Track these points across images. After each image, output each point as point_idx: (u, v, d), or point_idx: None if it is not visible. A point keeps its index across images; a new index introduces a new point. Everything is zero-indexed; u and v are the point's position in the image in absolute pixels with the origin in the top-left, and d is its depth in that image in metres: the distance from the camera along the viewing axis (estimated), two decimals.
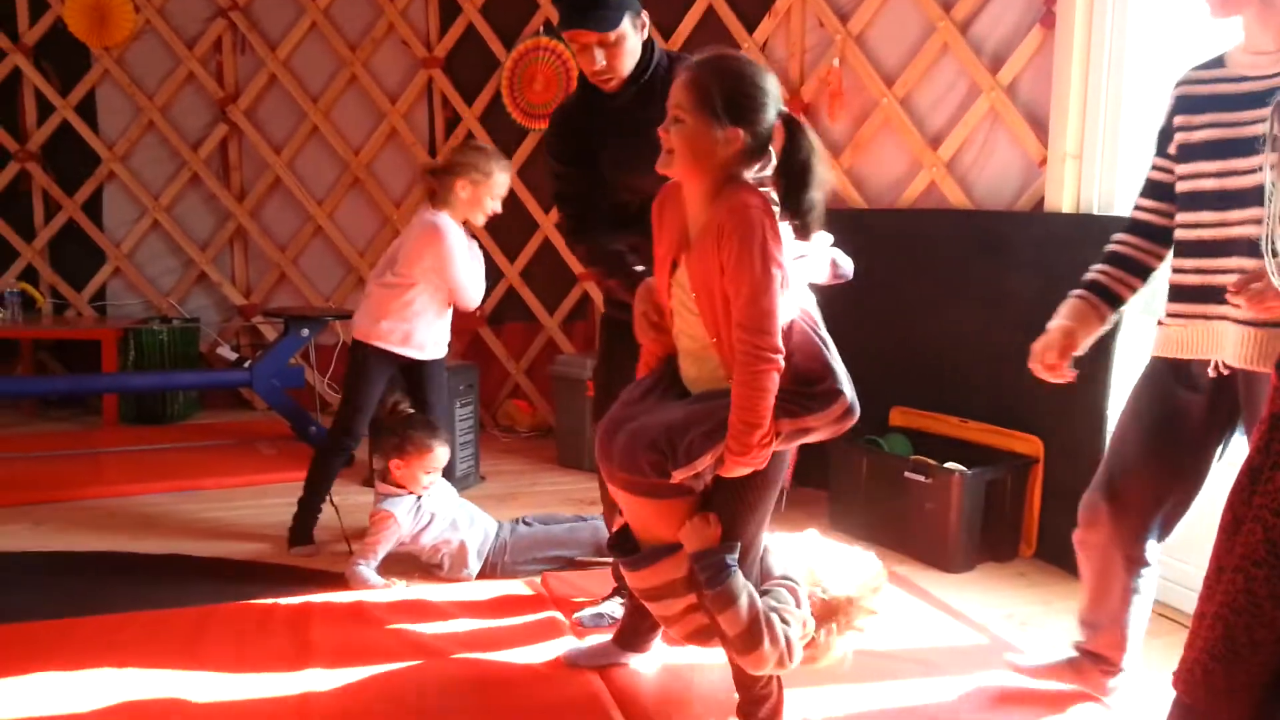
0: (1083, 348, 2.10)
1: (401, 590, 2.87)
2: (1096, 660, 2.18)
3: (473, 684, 2.30)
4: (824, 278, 2.04)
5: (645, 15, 2.36)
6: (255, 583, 2.92)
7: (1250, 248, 1.74)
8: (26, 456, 4.25)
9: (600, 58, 2.27)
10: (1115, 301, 2.08)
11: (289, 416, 4.45)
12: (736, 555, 1.84)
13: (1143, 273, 2.08)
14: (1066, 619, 2.69)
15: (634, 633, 2.31)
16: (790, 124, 1.80)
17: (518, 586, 2.89)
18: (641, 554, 1.94)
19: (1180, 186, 1.95)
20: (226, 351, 5.18)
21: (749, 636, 1.80)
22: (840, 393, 1.81)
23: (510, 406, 5.07)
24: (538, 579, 2.97)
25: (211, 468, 4.09)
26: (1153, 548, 2.08)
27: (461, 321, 5.14)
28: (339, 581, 2.94)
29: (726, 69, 1.80)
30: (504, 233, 5.09)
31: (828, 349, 1.85)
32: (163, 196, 5.12)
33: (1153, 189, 2.05)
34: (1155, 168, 2.04)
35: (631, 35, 2.29)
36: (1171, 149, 1.97)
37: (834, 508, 3.49)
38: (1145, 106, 3.10)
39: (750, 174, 1.83)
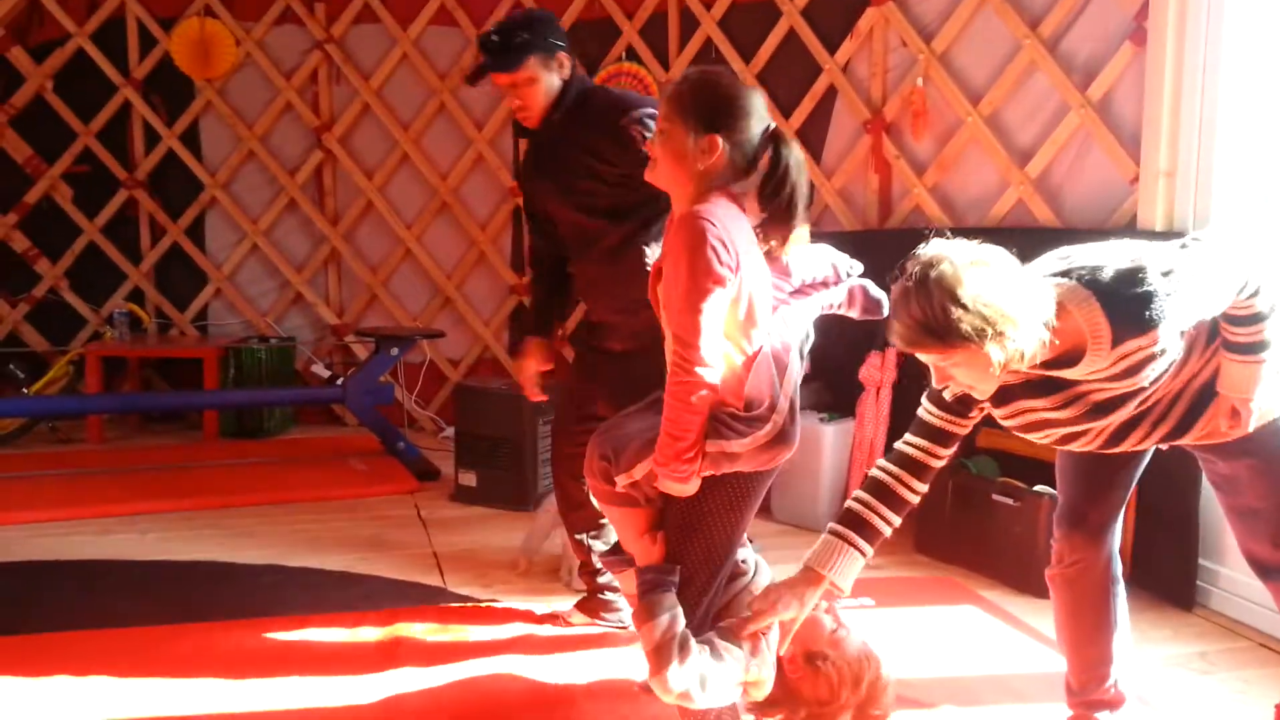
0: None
1: (493, 599, 2.94)
2: (1100, 706, 2.13)
3: (551, 700, 2.34)
4: (846, 308, 2.10)
5: (564, 55, 2.49)
6: (347, 592, 3.01)
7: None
8: (133, 469, 4.44)
9: (513, 96, 2.48)
10: (873, 536, 1.85)
11: (379, 432, 4.58)
12: (675, 577, 1.82)
13: (902, 507, 1.87)
14: (1157, 645, 2.62)
15: None
16: (774, 138, 1.83)
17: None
18: (617, 557, 2.04)
19: (1045, 440, 1.88)
20: (320, 369, 5.36)
21: (657, 656, 1.75)
22: (768, 419, 1.78)
23: None
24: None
25: (306, 481, 4.23)
26: (1119, 563, 2.09)
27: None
28: (427, 595, 3.01)
29: (704, 81, 1.85)
30: None
31: (782, 381, 1.81)
32: (261, 221, 5.33)
33: (928, 431, 1.86)
34: (938, 418, 1.85)
35: (544, 75, 2.46)
36: (981, 414, 1.85)
37: (920, 530, 3.44)
38: (1239, 123, 3.02)
39: (739, 187, 1.84)
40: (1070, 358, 1.68)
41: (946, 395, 1.82)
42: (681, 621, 1.78)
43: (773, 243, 1.85)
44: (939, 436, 1.84)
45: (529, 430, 3.89)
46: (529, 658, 2.54)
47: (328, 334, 5.49)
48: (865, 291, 2.11)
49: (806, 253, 1.96)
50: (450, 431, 5.20)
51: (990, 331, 1.55)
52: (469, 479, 4.00)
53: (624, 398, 2.11)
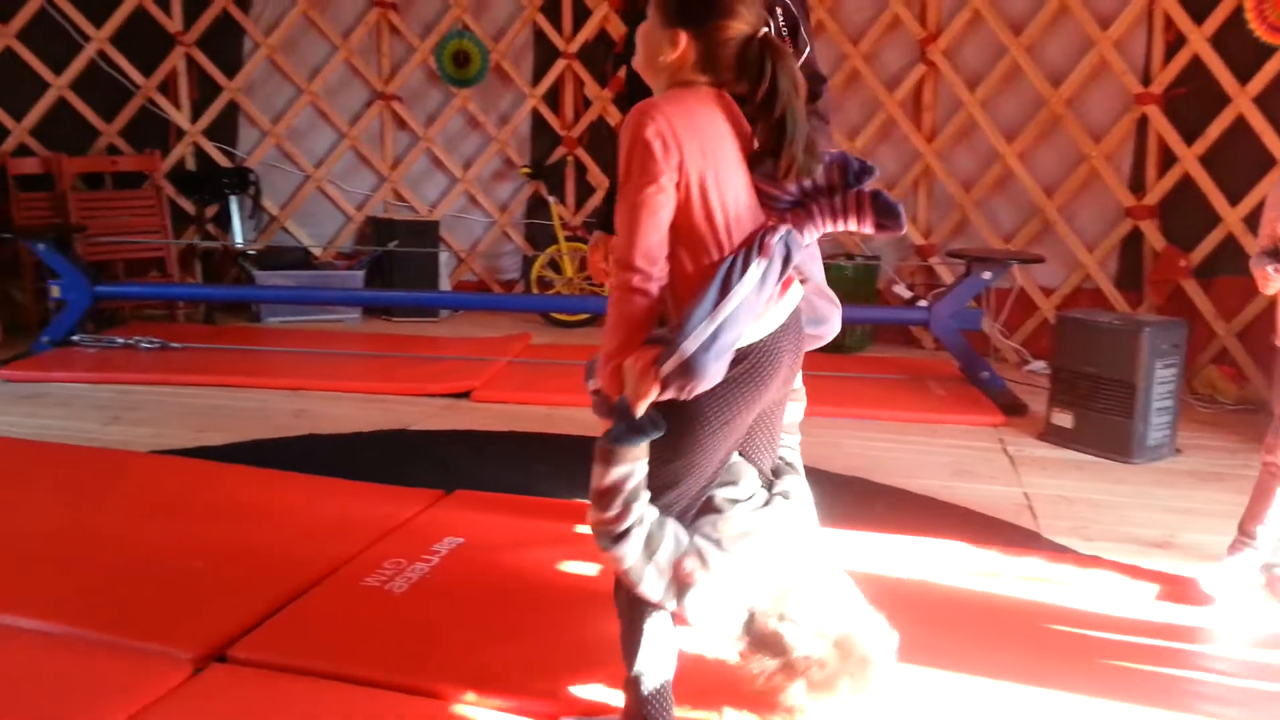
0: None
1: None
2: None
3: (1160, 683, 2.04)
4: (857, 221, 1.67)
5: None
6: (932, 519, 2.95)
7: None
8: None
9: None
10: None
11: (962, 358, 4.43)
12: (657, 430, 1.61)
13: None
14: None
15: None
16: (764, 47, 1.59)
17: None
18: None
19: None
20: (902, 290, 5.32)
21: (602, 497, 1.61)
22: (678, 345, 1.53)
23: (1213, 373, 4.43)
24: None
25: (885, 400, 4.24)
26: None
27: (1161, 272, 4.63)
28: (1019, 537, 2.83)
29: None
30: (1227, 169, 4.41)
31: (711, 295, 1.55)
32: (858, 139, 5.35)
33: None
34: None
35: None
36: None
37: None
38: None
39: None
40: None
41: None
42: (643, 487, 1.63)
43: (768, 162, 1.61)
44: None
45: (1144, 371, 3.45)
46: (1125, 619, 2.26)
47: (911, 254, 5.42)
48: (877, 199, 1.68)
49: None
50: (1037, 365, 4.88)
51: None
52: (1064, 419, 3.68)
53: None
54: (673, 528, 1.67)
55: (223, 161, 5.85)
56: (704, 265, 1.60)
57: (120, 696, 1.87)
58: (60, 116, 5.53)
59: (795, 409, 2.47)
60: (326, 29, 5.79)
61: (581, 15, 5.80)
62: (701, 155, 1.57)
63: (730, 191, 1.61)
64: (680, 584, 1.65)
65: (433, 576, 2.41)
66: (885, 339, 5.49)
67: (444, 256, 5.93)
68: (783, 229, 1.63)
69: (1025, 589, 2.44)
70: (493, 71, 5.85)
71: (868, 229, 1.70)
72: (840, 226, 1.70)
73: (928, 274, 5.40)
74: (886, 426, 3.94)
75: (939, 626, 2.25)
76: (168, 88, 5.74)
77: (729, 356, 1.58)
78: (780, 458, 1.87)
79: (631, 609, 1.72)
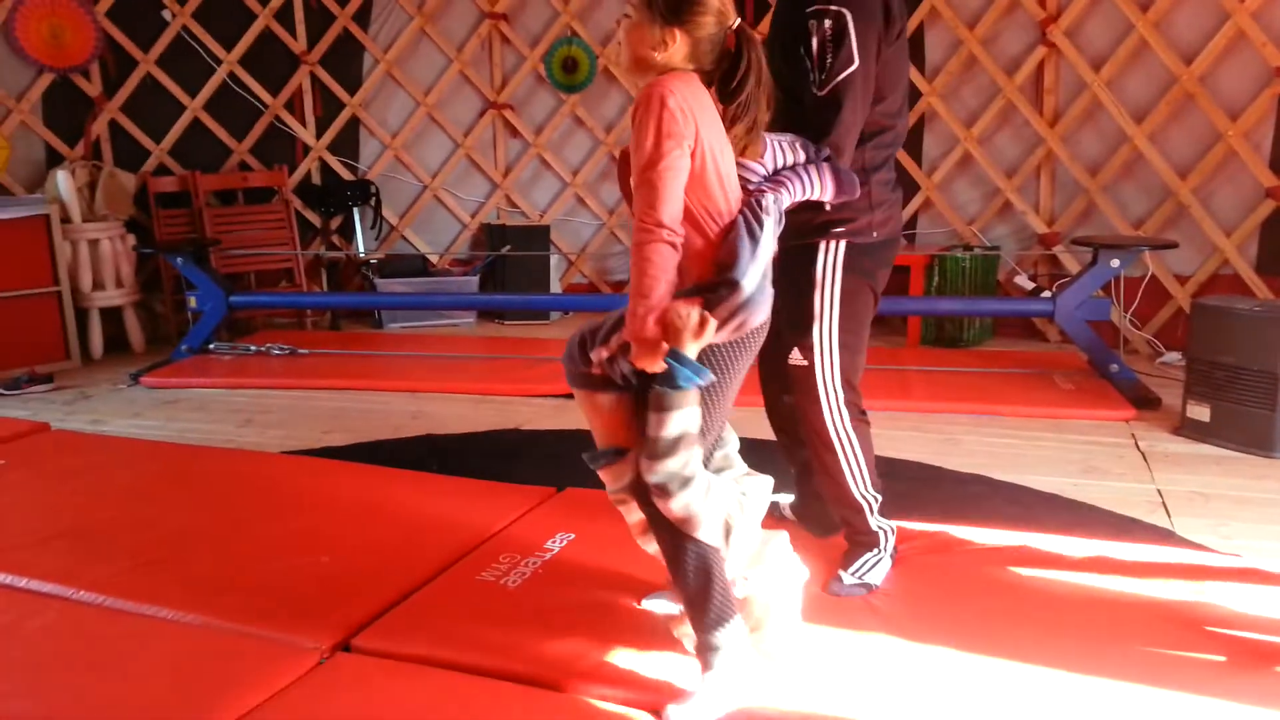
0: None
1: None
2: None
3: None
4: (821, 192, 2.00)
5: None
6: (1057, 517, 2.83)
7: None
8: None
9: None
10: None
11: (1090, 350, 4.24)
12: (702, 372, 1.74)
13: None
14: None
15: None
16: (740, 35, 1.82)
17: None
18: (595, 453, 1.99)
19: None
20: (1024, 281, 5.13)
21: (668, 446, 1.76)
22: (736, 283, 1.73)
23: None
24: None
25: (1008, 395, 4.09)
26: None
27: None
28: (1150, 535, 2.70)
29: None
30: None
31: (746, 243, 1.76)
32: (976, 127, 5.19)
33: None
34: None
35: None
36: None
37: None
38: None
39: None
40: None
41: None
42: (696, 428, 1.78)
43: (732, 130, 1.85)
44: None
45: None
46: (1267, 619, 2.12)
47: (1034, 244, 5.22)
48: (837, 171, 2.03)
49: (775, 141, 1.98)
50: (1171, 356, 4.64)
51: None
52: (1200, 412, 3.48)
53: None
54: (712, 475, 1.85)
55: (345, 175, 6.08)
56: (717, 227, 1.79)
57: (253, 682, 1.96)
58: (195, 136, 5.85)
59: None
60: (441, 42, 5.95)
61: None
62: (709, 128, 1.78)
63: (727, 165, 1.83)
64: (725, 529, 1.84)
65: (545, 571, 2.45)
66: (1006, 333, 5.31)
67: (554, 259, 6.03)
68: (769, 195, 1.87)
69: (1159, 589, 2.32)
70: (599, 75, 5.91)
71: (828, 195, 2.01)
72: (808, 195, 1.98)
73: (1051, 263, 5.19)
74: (1008, 423, 3.81)
75: (1067, 628, 2.17)
76: (293, 105, 6.00)
77: (770, 292, 1.82)
78: None
79: (703, 575, 1.82)
